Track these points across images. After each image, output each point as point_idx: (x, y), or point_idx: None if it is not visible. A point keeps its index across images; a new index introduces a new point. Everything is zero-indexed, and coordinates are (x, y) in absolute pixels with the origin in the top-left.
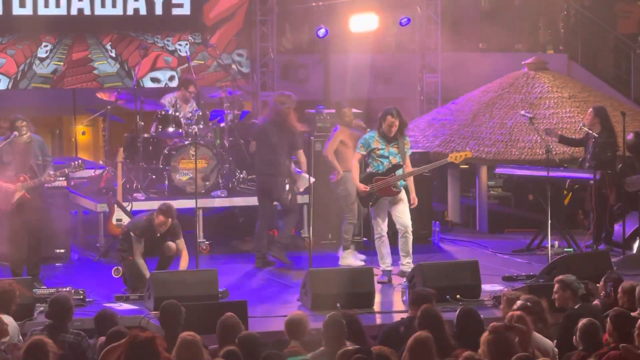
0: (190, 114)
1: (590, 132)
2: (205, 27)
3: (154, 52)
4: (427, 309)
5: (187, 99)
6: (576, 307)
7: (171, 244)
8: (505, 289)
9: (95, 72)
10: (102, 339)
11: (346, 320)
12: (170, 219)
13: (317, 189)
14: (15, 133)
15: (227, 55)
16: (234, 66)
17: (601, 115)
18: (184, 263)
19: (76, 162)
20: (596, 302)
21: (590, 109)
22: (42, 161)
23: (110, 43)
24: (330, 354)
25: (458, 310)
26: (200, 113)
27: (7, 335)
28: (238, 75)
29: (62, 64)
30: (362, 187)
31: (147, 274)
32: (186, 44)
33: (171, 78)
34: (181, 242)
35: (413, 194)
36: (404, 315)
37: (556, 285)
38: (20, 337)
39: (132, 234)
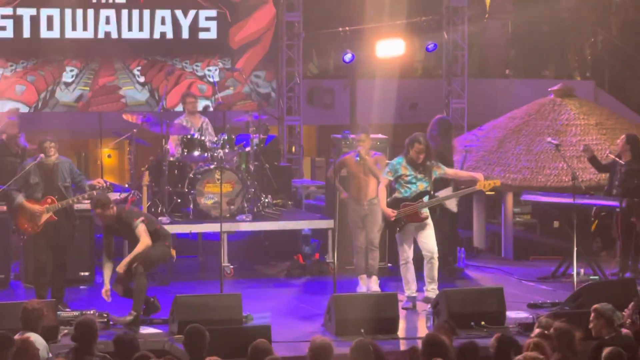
0: (215, 138)
1: (618, 159)
2: (231, 51)
3: (187, 80)
4: (430, 336)
5: (192, 112)
6: (607, 337)
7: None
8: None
9: (123, 100)
10: None
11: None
12: (99, 210)
13: (343, 214)
14: (42, 155)
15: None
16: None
17: (633, 143)
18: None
19: (105, 185)
20: (626, 331)
21: (623, 136)
22: (69, 183)
23: (138, 68)
24: None
25: (495, 338)
26: (226, 137)
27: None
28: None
29: (87, 89)
30: (389, 212)
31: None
32: (216, 69)
33: (205, 108)
34: (138, 231)
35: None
36: None
37: (592, 314)
38: (50, 354)
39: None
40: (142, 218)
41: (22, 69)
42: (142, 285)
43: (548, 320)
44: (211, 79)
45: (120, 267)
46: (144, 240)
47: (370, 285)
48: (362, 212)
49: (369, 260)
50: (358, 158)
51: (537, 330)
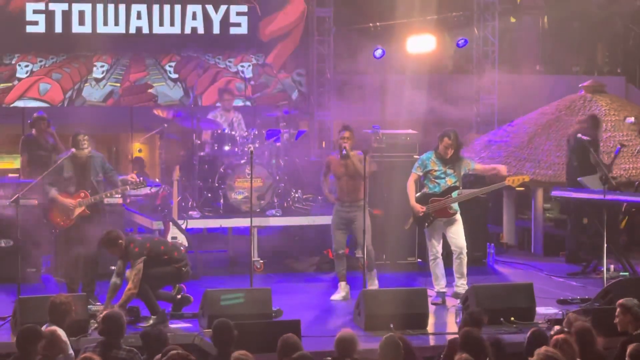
0: (246, 133)
1: None
2: (262, 44)
3: (225, 78)
4: (468, 332)
5: (227, 107)
6: (635, 332)
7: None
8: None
9: (155, 98)
10: (158, 357)
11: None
12: (109, 249)
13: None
14: (73, 150)
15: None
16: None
17: None
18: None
19: (137, 180)
20: None
21: None
22: (102, 178)
23: (170, 64)
24: None
25: (529, 333)
26: (257, 132)
27: (65, 353)
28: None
29: (118, 85)
30: (418, 207)
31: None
32: (249, 66)
33: (241, 107)
34: (130, 273)
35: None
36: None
37: (617, 309)
38: (72, 352)
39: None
40: (141, 259)
41: (50, 64)
42: (144, 291)
43: (574, 318)
44: (243, 75)
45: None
46: (129, 286)
47: (369, 284)
48: (345, 215)
49: (365, 259)
50: (345, 152)
51: (556, 328)
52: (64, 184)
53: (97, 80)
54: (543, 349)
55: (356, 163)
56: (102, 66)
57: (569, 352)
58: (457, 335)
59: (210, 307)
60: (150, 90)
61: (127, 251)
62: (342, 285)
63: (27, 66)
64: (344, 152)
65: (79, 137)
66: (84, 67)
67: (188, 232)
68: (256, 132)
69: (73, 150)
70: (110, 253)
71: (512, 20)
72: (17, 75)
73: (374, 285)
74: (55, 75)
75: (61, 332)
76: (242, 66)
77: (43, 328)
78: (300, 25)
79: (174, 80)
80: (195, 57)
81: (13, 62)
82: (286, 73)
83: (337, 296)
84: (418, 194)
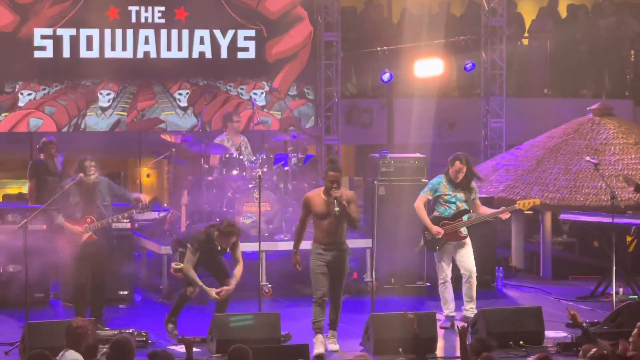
0: (254, 157)
1: None
2: (268, 67)
3: (248, 110)
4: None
5: (237, 129)
6: None
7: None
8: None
9: (163, 126)
10: None
11: None
12: (234, 237)
13: (380, 233)
14: (82, 175)
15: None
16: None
17: None
18: (238, 273)
19: (143, 204)
20: None
21: None
22: (109, 202)
23: (179, 92)
24: None
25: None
26: (265, 156)
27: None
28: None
29: (125, 114)
30: (435, 229)
31: (200, 284)
32: (262, 93)
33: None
34: (239, 253)
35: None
36: None
37: (635, 330)
38: None
39: (189, 245)
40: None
41: (54, 92)
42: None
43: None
44: (253, 101)
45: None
46: (242, 264)
47: (328, 344)
48: (329, 259)
49: (330, 314)
50: (337, 201)
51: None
52: (71, 209)
53: (103, 109)
54: None
55: (344, 202)
56: (108, 94)
57: None
58: None
59: (219, 332)
60: (159, 119)
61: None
62: (320, 338)
63: (29, 94)
64: (336, 201)
65: (85, 163)
66: (90, 94)
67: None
68: (264, 157)
69: (82, 175)
70: (227, 242)
71: (525, 42)
72: (19, 104)
73: (334, 345)
74: (61, 101)
75: (77, 357)
76: (255, 93)
77: (60, 356)
78: (307, 46)
79: (184, 109)
80: (206, 85)
81: (15, 90)
82: (300, 99)
83: (319, 350)
84: (430, 217)
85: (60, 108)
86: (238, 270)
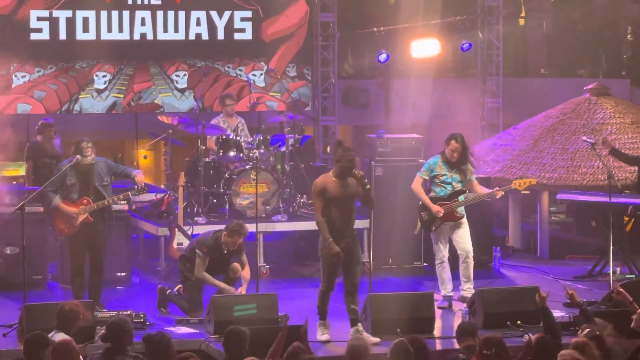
0: (251, 138)
1: None
2: (264, 47)
3: (254, 94)
4: (491, 337)
5: (230, 113)
6: None
7: (237, 266)
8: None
9: (161, 110)
10: None
11: (413, 346)
12: (241, 238)
13: (377, 213)
14: (78, 157)
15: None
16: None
17: None
18: (247, 276)
19: (139, 186)
20: None
21: None
22: (107, 182)
23: (177, 74)
24: None
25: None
26: (261, 137)
27: None
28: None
29: (122, 96)
30: (436, 208)
31: (217, 282)
32: (261, 74)
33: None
34: (244, 257)
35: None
36: None
37: None
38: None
39: (198, 251)
40: None
41: (44, 75)
42: None
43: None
44: (250, 82)
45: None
46: (248, 266)
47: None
48: (343, 246)
49: (352, 307)
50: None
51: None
52: (67, 191)
53: (99, 92)
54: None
55: (354, 183)
56: (104, 76)
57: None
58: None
59: (217, 314)
60: (156, 102)
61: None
62: (325, 323)
63: (23, 77)
64: (361, 180)
65: (82, 145)
66: (83, 77)
67: (194, 238)
68: (261, 138)
69: (78, 157)
70: (233, 243)
71: (521, 22)
72: (13, 86)
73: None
74: (52, 85)
75: (63, 337)
76: (254, 75)
77: (50, 335)
78: (303, 27)
79: (181, 91)
80: (205, 67)
81: (10, 72)
82: (300, 80)
83: (325, 337)
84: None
85: (51, 92)
86: (246, 274)
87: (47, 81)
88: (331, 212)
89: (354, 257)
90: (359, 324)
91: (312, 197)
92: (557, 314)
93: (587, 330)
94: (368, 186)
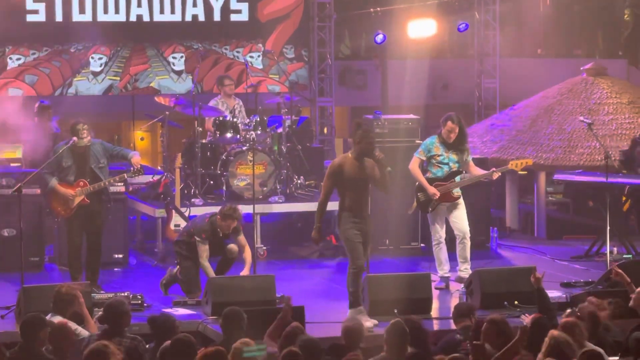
0: (248, 120)
1: None
2: (261, 27)
3: (255, 78)
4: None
5: (228, 94)
6: None
7: (234, 247)
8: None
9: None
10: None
11: (409, 326)
12: (235, 222)
13: (375, 194)
14: (74, 139)
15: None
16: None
17: None
18: (248, 257)
19: (135, 167)
20: None
21: None
22: (104, 164)
23: (173, 56)
24: None
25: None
26: (258, 119)
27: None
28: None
29: (118, 78)
30: (432, 189)
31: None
32: (258, 56)
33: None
34: (242, 238)
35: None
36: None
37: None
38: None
39: (197, 238)
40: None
41: (35, 59)
42: None
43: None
44: (247, 64)
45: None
46: (249, 247)
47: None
48: (363, 227)
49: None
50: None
51: (567, 311)
52: (64, 173)
53: (95, 74)
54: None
55: (371, 166)
56: (100, 58)
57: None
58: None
59: (214, 295)
60: (152, 85)
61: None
62: (362, 309)
63: (18, 59)
64: (381, 162)
65: (78, 127)
66: (75, 62)
67: (191, 219)
68: (258, 119)
69: (74, 138)
70: (227, 227)
71: (518, 2)
72: (8, 69)
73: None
74: (44, 68)
75: (72, 324)
76: (251, 57)
77: (47, 318)
78: (300, 7)
79: (178, 73)
80: (201, 49)
81: (5, 54)
82: (298, 62)
83: (370, 322)
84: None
85: (43, 77)
86: (247, 255)
87: (39, 65)
88: (348, 194)
89: (367, 240)
90: (361, 306)
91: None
92: (554, 294)
93: (569, 310)
94: (390, 169)
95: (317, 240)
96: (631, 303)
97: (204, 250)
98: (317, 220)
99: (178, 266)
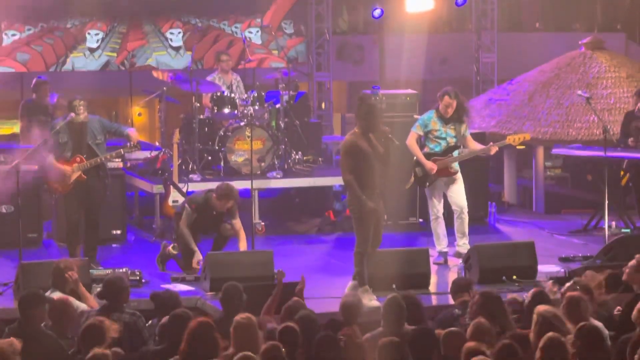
0: (245, 95)
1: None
2: (260, 1)
3: (257, 55)
4: (487, 293)
5: (225, 70)
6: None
7: (227, 225)
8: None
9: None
10: (165, 319)
11: (405, 302)
12: (230, 202)
13: None
14: (72, 114)
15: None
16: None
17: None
18: (242, 243)
19: (132, 143)
20: None
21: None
22: (101, 141)
23: (171, 32)
24: (388, 335)
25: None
26: (256, 94)
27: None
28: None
29: (115, 55)
30: (429, 164)
31: (192, 244)
32: (257, 31)
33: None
34: (238, 221)
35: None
36: None
37: (632, 262)
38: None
39: (187, 205)
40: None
41: (27, 36)
42: None
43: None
44: (244, 39)
45: None
46: (243, 232)
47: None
48: (376, 205)
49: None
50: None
51: (567, 285)
52: (60, 149)
53: (92, 50)
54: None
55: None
56: (96, 34)
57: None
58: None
59: (212, 270)
60: (149, 63)
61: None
62: (367, 289)
63: (13, 35)
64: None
65: (74, 103)
66: (68, 40)
67: (188, 195)
68: (255, 94)
69: (72, 115)
70: (221, 206)
71: None
72: (3, 45)
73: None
74: (36, 46)
75: (72, 300)
76: (250, 32)
77: (47, 294)
78: None
79: (176, 49)
80: (201, 26)
81: (0, 30)
82: (298, 37)
83: (374, 302)
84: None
85: (35, 55)
86: (242, 240)
87: (31, 42)
88: (362, 169)
89: (381, 215)
90: (366, 285)
91: (341, 156)
92: (552, 269)
93: (569, 284)
94: (397, 142)
95: (372, 209)
96: (624, 277)
97: (186, 216)
98: (359, 193)
99: (173, 243)
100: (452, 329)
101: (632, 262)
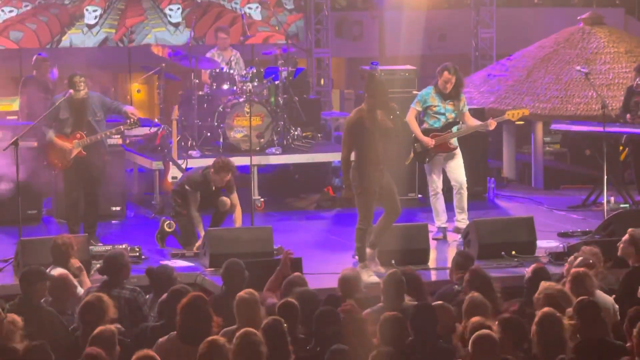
0: (244, 71)
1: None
2: None
3: (262, 33)
4: (476, 270)
5: (224, 46)
6: (635, 265)
7: (225, 199)
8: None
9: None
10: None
11: (405, 278)
12: (228, 175)
13: None
14: (71, 91)
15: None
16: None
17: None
18: (238, 219)
19: (132, 120)
20: None
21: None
22: (101, 117)
23: (170, 8)
24: (388, 311)
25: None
26: (255, 70)
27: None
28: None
29: (113, 31)
30: (427, 140)
31: (202, 228)
32: (257, 7)
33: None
34: (235, 196)
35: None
36: None
37: (625, 236)
38: (80, 290)
39: (187, 187)
40: None
41: (21, 13)
42: None
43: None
44: (243, 15)
45: None
46: (239, 208)
47: (373, 265)
48: (380, 180)
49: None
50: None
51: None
52: (61, 125)
53: (90, 27)
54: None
55: (382, 114)
56: (94, 11)
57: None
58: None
59: (212, 246)
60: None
61: (230, 179)
62: (367, 265)
63: (11, 11)
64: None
65: (74, 79)
66: (64, 17)
67: (187, 171)
68: (254, 71)
69: (71, 91)
70: (220, 180)
71: None
72: (0, 21)
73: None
74: (30, 24)
75: (59, 271)
76: (250, 8)
77: (48, 270)
78: None
79: (175, 25)
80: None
81: None
82: (298, 13)
83: (373, 278)
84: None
85: (29, 33)
86: (237, 216)
87: (25, 20)
88: (370, 146)
89: (394, 191)
90: (367, 261)
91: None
92: (551, 244)
93: (580, 259)
94: (398, 112)
95: (351, 198)
96: (619, 252)
97: (193, 200)
98: (345, 178)
99: (171, 219)
100: (438, 302)
101: (625, 237)
